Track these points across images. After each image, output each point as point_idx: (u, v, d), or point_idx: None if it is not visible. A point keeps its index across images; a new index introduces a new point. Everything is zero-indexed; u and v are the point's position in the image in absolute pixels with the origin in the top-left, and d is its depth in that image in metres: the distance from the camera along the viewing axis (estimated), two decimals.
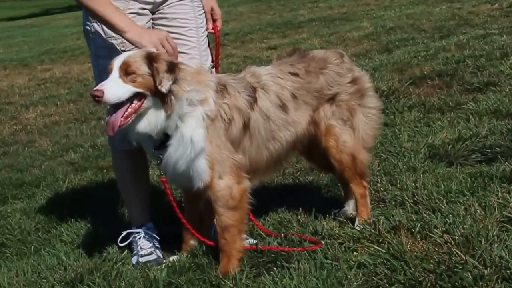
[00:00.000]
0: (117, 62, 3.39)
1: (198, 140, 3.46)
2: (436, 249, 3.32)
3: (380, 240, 3.56)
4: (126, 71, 3.36)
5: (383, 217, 3.81)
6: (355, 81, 3.93)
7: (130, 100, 3.36)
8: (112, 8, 3.67)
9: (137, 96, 3.37)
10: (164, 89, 3.35)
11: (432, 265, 3.14)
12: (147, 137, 3.49)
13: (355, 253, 3.50)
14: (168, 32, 3.99)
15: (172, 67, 3.41)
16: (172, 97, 3.38)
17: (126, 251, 4.08)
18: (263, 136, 3.68)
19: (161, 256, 4.01)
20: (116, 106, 3.36)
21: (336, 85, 3.87)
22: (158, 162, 3.57)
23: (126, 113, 3.36)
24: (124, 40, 3.75)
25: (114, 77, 3.36)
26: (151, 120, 3.41)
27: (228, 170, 3.55)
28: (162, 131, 3.45)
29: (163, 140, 3.50)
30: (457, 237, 3.34)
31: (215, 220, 3.66)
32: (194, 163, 3.50)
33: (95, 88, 3.33)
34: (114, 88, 3.34)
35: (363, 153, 3.96)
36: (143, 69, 3.38)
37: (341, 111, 3.87)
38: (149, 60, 3.40)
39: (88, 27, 3.96)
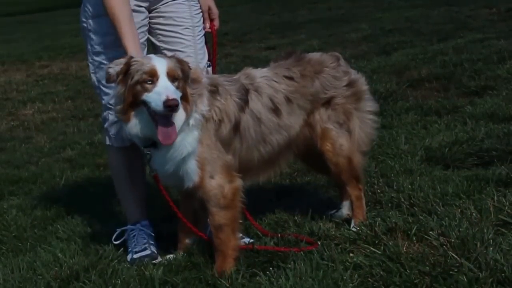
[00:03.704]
0: (161, 68, 3.33)
1: (191, 142, 3.48)
2: (432, 251, 3.33)
3: (376, 242, 3.56)
4: (174, 77, 3.34)
5: (379, 219, 3.82)
6: (352, 84, 3.93)
7: None
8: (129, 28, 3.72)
9: None
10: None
11: (427, 267, 3.15)
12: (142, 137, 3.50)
13: (351, 254, 3.50)
14: (164, 30, 4.08)
15: (190, 67, 3.52)
16: (192, 98, 3.42)
17: (122, 249, 4.08)
18: (253, 138, 3.68)
19: (156, 252, 4.01)
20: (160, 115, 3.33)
21: (332, 88, 3.88)
22: (148, 158, 3.56)
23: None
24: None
25: (169, 84, 3.31)
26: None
27: (219, 169, 3.55)
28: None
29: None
30: (452, 240, 3.35)
31: (208, 219, 3.67)
32: (183, 164, 3.51)
33: (170, 97, 3.23)
34: (177, 95, 3.30)
35: (359, 156, 3.97)
36: (180, 73, 3.39)
37: (337, 115, 3.87)
38: (181, 65, 3.44)
39: (84, 24, 4.03)
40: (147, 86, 3.32)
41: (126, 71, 3.39)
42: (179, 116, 3.39)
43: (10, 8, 41.81)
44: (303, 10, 19.51)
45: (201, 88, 3.52)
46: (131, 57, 3.44)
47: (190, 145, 3.48)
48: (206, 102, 3.51)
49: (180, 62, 3.46)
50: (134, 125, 3.43)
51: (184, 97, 3.40)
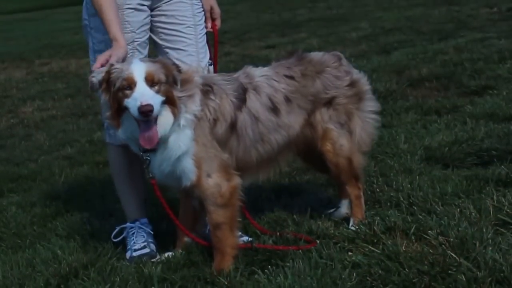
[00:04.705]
0: (139, 73, 3.35)
1: (184, 142, 3.48)
2: (431, 250, 3.32)
3: (375, 241, 3.57)
4: (153, 81, 3.35)
5: (378, 218, 3.81)
6: (353, 84, 3.92)
7: None
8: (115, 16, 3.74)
9: None
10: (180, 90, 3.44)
11: (426, 267, 3.15)
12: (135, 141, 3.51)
13: (349, 253, 3.50)
14: (166, 29, 4.07)
15: (178, 69, 3.50)
16: (180, 101, 3.42)
17: (121, 246, 4.08)
18: (251, 137, 3.68)
19: (155, 250, 4.02)
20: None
21: (334, 88, 3.87)
22: (147, 164, 3.57)
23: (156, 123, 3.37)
24: None
25: (146, 89, 3.33)
26: (159, 127, 3.42)
27: (216, 168, 3.55)
28: (163, 137, 3.45)
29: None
30: (451, 239, 3.35)
31: (207, 218, 3.67)
32: (180, 164, 3.51)
33: (144, 103, 3.26)
34: (155, 100, 3.32)
35: (359, 157, 3.97)
36: (163, 77, 3.40)
37: (338, 115, 3.86)
38: (166, 69, 3.43)
39: (86, 22, 4.04)
40: (127, 92, 3.36)
41: (108, 79, 3.43)
42: (166, 119, 3.41)
43: (10, 6, 41.81)
44: (303, 9, 19.52)
45: (192, 88, 3.51)
46: (112, 65, 3.47)
47: (184, 145, 3.48)
48: (198, 102, 3.50)
49: (165, 66, 3.46)
50: (125, 130, 3.47)
51: (170, 101, 3.40)
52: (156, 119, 3.36)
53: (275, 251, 3.63)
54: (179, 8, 4.08)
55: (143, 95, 3.30)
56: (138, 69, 3.37)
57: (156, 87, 3.36)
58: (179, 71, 3.50)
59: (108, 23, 3.71)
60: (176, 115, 3.42)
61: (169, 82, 3.42)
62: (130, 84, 3.35)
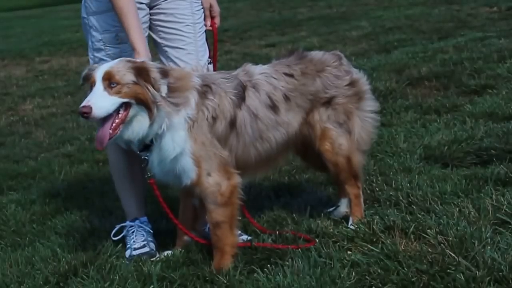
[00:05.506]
0: (98, 74, 3.35)
1: (179, 143, 3.47)
2: (430, 249, 3.33)
3: (374, 240, 3.57)
4: (110, 82, 3.33)
5: (377, 217, 3.81)
6: (353, 83, 3.92)
7: (116, 111, 3.34)
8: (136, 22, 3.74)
9: (122, 106, 3.35)
10: (163, 94, 3.37)
11: (425, 266, 3.15)
12: (130, 142, 3.51)
13: (348, 252, 3.51)
14: (165, 27, 4.08)
15: (165, 72, 3.44)
16: (156, 104, 3.38)
17: (120, 244, 4.09)
18: (250, 135, 3.67)
19: (154, 249, 4.02)
20: (103, 119, 3.33)
21: (333, 88, 3.86)
22: (145, 163, 3.57)
23: (114, 124, 3.34)
24: (120, 34, 3.86)
25: (99, 90, 3.32)
26: (135, 128, 3.40)
27: (216, 166, 3.55)
28: (143, 139, 3.45)
29: (146, 143, 3.50)
30: (450, 239, 3.35)
31: (206, 216, 3.67)
32: (179, 163, 3.51)
33: (82, 105, 3.27)
34: (101, 101, 3.29)
35: (358, 156, 3.96)
36: (128, 78, 3.35)
37: (337, 114, 3.86)
38: (137, 69, 3.38)
39: (86, 20, 4.03)
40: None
41: (89, 77, 3.46)
42: (141, 121, 3.38)
43: (11, 3, 41.79)
44: (303, 8, 19.50)
45: (186, 94, 3.48)
46: (94, 64, 3.51)
47: (179, 146, 3.47)
48: (193, 105, 3.48)
49: (138, 67, 3.40)
50: None
51: (142, 103, 3.36)
52: (113, 119, 3.34)
53: (274, 250, 3.63)
54: (178, 6, 4.08)
55: (89, 96, 3.32)
56: (100, 70, 3.38)
57: (116, 88, 3.33)
58: (166, 75, 3.43)
59: (127, 29, 3.71)
60: (151, 118, 3.38)
61: (141, 84, 3.36)
62: (91, 84, 3.37)
